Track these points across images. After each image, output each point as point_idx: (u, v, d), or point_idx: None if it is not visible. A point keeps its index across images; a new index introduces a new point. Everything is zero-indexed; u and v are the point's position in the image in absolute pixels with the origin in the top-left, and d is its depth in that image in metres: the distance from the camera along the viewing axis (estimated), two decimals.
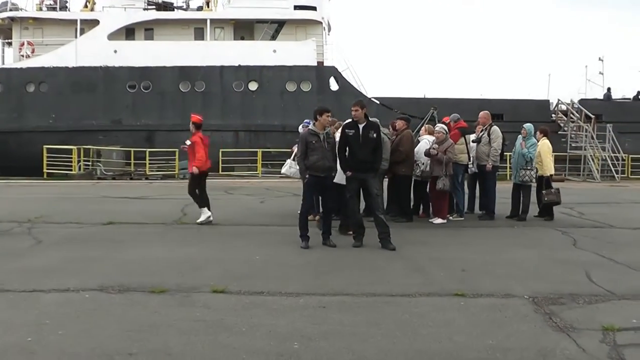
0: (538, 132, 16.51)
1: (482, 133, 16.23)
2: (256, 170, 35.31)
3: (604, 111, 40.54)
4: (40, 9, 41.03)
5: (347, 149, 12.07)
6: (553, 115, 41.57)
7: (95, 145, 35.70)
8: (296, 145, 15.74)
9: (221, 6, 43.32)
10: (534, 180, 16.00)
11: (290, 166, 15.97)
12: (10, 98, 38.77)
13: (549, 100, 42.33)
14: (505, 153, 16.92)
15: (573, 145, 37.93)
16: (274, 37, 41.12)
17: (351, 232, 12.62)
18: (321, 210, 13.19)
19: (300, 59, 39.04)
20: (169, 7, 42.83)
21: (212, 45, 39.95)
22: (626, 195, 24.48)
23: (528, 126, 16.09)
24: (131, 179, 32.40)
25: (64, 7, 41.38)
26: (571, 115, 40.17)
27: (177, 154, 34.05)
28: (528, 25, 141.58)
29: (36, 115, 38.37)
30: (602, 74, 45.11)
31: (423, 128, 17.46)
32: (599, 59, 45.36)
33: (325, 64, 40.37)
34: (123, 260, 10.59)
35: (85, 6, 41.47)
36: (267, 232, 13.87)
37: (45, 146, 33.96)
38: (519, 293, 8.54)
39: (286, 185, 23.98)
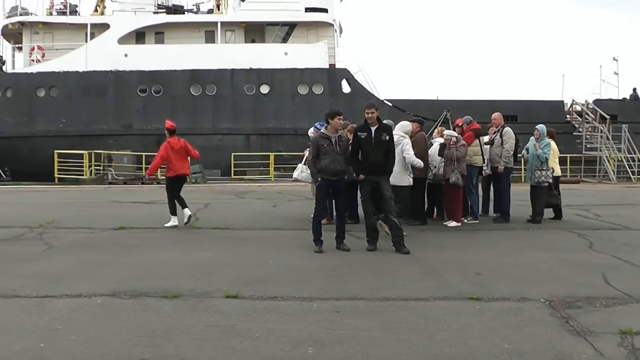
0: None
1: (494, 135, 16.16)
2: (268, 174, 35.32)
3: (619, 111, 40.36)
4: (51, 14, 41.19)
5: (360, 151, 12.02)
6: (567, 116, 41.44)
7: (106, 149, 35.76)
8: (308, 149, 15.78)
9: (232, 9, 43.48)
10: (550, 180, 15.86)
11: (302, 170, 15.92)
12: (20, 103, 38.92)
13: (563, 101, 42.22)
14: (518, 155, 16.84)
15: (588, 146, 37.85)
16: (285, 40, 41.10)
17: (405, 234, 12.63)
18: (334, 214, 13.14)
19: (312, 62, 39.02)
20: (179, 11, 42.96)
21: (223, 48, 40.01)
22: None
23: (541, 127, 16.00)
24: (142, 183, 32.44)
25: (74, 12, 41.56)
26: (586, 116, 40.03)
27: (188, 157, 34.02)
28: (542, 26, 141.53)
29: (47, 119, 38.52)
30: (617, 74, 44.91)
31: (436, 130, 17.37)
32: (614, 58, 45.11)
33: (337, 66, 40.40)
34: (135, 265, 10.55)
35: (96, 10, 41.66)
36: (280, 236, 13.82)
37: (56, 151, 34.03)
38: (535, 296, 8.43)
39: (298, 189, 23.88)
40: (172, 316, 7.51)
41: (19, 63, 42.94)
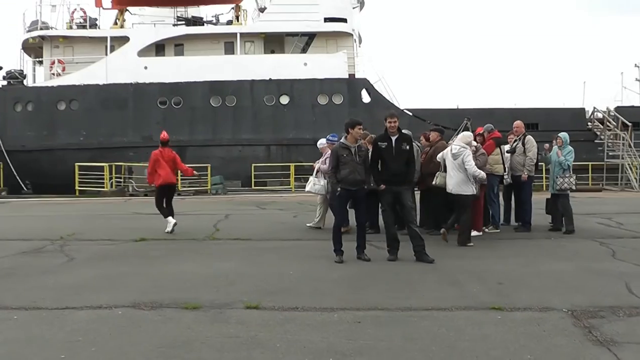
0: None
1: (516, 143, 16.09)
2: (289, 185, 35.33)
3: None
4: (71, 27, 41.37)
5: (380, 162, 12.02)
6: (589, 123, 41.11)
7: (127, 162, 35.85)
8: (318, 161, 15.85)
9: (251, 20, 43.55)
10: (573, 187, 15.71)
11: (314, 183, 16.03)
12: (41, 116, 39.10)
13: (584, 109, 41.83)
14: (539, 163, 16.76)
15: (610, 154, 37.60)
16: (304, 50, 41.07)
17: (471, 244, 13.40)
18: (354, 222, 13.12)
19: (332, 72, 38.97)
20: (198, 22, 43.07)
21: (242, 59, 40.03)
22: None
23: (563, 135, 15.86)
24: None
25: (93, 25, 41.71)
26: (607, 124, 39.78)
27: (209, 169, 34.18)
28: (562, 33, 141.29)
29: (67, 133, 38.69)
30: (639, 80, 44.64)
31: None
32: (635, 65, 44.94)
33: (357, 76, 40.31)
34: (155, 277, 10.57)
35: (115, 23, 41.85)
36: (300, 247, 13.80)
37: (76, 164, 34.19)
38: (557, 306, 8.36)
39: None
40: (193, 327, 7.50)
41: (39, 77, 43.10)
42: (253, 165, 35.96)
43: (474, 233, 14.98)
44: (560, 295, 8.96)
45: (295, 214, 20.73)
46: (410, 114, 37.30)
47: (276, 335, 7.18)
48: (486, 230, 15.52)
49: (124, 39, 40.13)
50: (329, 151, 15.24)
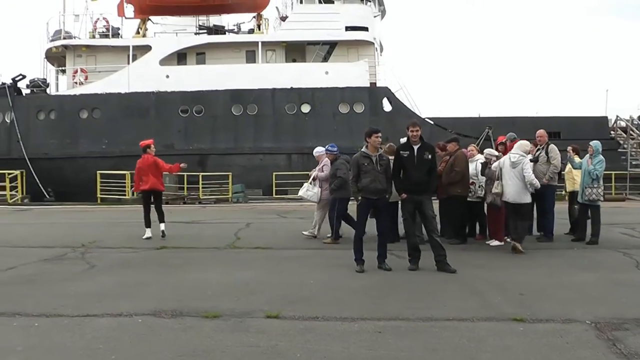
0: (570, 150, 16.36)
1: (539, 152, 15.98)
2: None
3: None
4: (93, 37, 41.61)
5: (402, 170, 11.99)
6: (612, 132, 40.78)
7: None
8: (315, 169, 15.91)
9: (272, 29, 43.62)
10: (602, 198, 15.50)
11: (307, 189, 16.28)
12: (64, 124, 39.32)
13: (607, 117, 41.46)
14: (562, 172, 16.66)
15: (633, 163, 37.26)
16: (325, 59, 41.05)
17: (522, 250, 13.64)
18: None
19: (353, 80, 38.90)
20: (220, 31, 43.20)
21: (263, 68, 40.11)
22: None
23: (595, 143, 15.54)
24: (184, 203, 32.55)
25: (116, 34, 41.94)
26: (631, 132, 39.48)
27: (230, 177, 34.21)
28: (585, 41, 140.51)
29: (89, 141, 38.86)
30: None
31: (471, 146, 17.15)
32: None
33: (378, 84, 40.22)
34: (176, 285, 10.57)
35: (137, 32, 42.03)
36: (321, 256, 13.75)
37: (98, 172, 34.32)
38: (580, 318, 8.27)
39: None
40: (213, 336, 7.49)
41: (62, 85, 43.42)
42: (274, 173, 35.98)
43: (495, 243, 14.94)
44: (583, 307, 8.87)
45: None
46: (432, 122, 37.21)
47: (296, 345, 7.16)
48: (508, 240, 15.40)
49: (146, 48, 40.30)
50: (326, 159, 15.45)
